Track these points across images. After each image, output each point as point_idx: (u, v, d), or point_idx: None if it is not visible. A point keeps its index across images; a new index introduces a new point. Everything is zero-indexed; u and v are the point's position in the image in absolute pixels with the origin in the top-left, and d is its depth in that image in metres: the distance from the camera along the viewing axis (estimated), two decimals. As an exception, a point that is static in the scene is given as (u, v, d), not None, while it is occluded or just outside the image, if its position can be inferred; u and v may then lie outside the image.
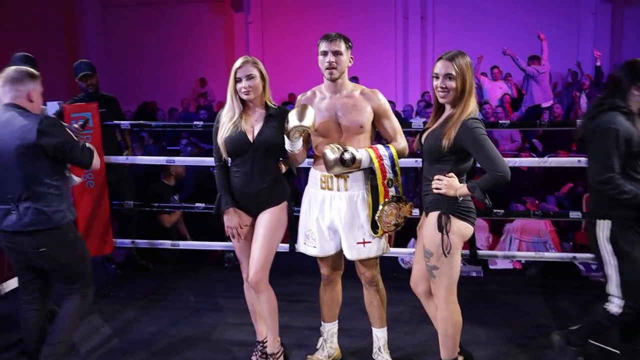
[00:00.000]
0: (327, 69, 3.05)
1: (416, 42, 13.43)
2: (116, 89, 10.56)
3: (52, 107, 4.56)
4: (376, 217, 3.05)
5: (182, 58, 14.21)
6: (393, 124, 3.18)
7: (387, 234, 3.16)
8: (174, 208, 5.30)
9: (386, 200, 3.06)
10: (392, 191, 3.07)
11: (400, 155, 3.13)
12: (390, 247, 3.38)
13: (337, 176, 3.09)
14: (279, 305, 3.28)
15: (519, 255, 4.95)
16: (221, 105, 3.19)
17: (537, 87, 9.79)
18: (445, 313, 2.92)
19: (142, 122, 6.00)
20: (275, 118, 3.14)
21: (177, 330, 4.00)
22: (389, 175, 3.06)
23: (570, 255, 4.61)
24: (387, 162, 3.05)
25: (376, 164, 3.04)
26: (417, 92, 12.37)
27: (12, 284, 4.31)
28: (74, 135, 3.22)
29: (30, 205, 2.97)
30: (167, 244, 4.93)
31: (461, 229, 2.82)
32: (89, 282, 3.26)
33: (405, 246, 5.07)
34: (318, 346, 3.52)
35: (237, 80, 3.08)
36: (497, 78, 10.39)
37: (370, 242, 3.12)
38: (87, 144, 3.15)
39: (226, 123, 3.12)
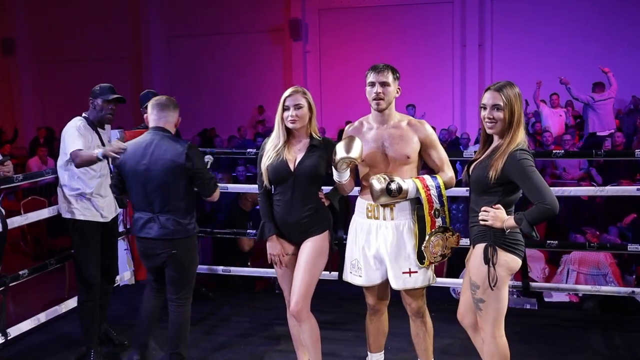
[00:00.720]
0: (374, 99, 3.08)
1: (474, 70, 13.36)
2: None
3: (114, 135, 4.73)
4: (423, 248, 3.04)
5: (242, 86, 14.57)
6: (440, 155, 3.18)
7: (433, 265, 3.14)
8: (229, 234, 5.37)
9: (433, 230, 3.05)
10: (438, 222, 3.06)
11: (447, 185, 3.12)
12: (442, 277, 3.35)
13: (384, 205, 3.10)
14: (327, 333, 3.28)
15: (570, 289, 4.78)
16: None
17: (593, 115, 9.55)
18: (492, 347, 2.87)
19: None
20: (318, 148, 3.19)
21: (224, 357, 4.05)
22: (436, 205, 3.05)
23: (629, 289, 4.44)
24: (433, 193, 3.05)
25: (423, 195, 3.03)
26: (475, 119, 12.25)
27: (71, 303, 4.46)
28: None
29: (170, 217, 3.35)
30: (218, 269, 5.01)
31: (508, 261, 2.78)
32: (192, 288, 3.62)
33: (457, 276, 4.98)
34: (364, 376, 3.51)
35: (285, 109, 3.16)
36: (556, 105, 10.20)
37: (416, 272, 3.10)
38: (214, 178, 3.51)
39: (270, 151, 3.21)
